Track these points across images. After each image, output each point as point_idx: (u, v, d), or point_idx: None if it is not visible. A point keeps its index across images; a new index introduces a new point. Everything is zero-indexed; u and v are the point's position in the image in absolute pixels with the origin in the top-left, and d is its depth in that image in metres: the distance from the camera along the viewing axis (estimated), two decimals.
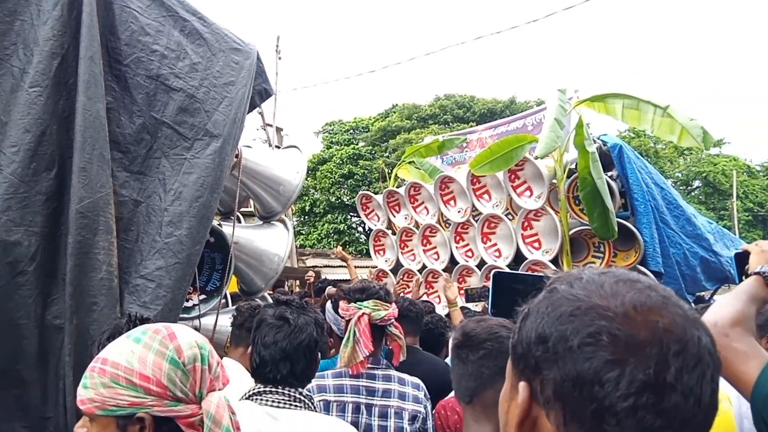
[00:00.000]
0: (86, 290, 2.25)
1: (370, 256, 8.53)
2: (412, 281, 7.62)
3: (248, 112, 2.89)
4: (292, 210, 19.21)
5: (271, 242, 3.04)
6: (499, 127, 8.37)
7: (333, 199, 25.85)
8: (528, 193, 6.38)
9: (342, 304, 2.36)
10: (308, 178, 28.22)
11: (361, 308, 2.26)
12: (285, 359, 1.67)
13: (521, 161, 6.26)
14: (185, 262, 2.43)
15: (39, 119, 2.25)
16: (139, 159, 2.50)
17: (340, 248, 4.95)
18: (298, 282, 13.72)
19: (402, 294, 5.87)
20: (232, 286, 3.26)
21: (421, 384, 2.33)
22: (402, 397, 2.24)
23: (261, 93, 2.94)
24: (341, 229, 25.77)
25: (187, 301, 2.84)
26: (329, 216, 26.23)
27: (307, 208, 26.99)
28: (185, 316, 2.78)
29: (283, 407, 1.61)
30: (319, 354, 1.81)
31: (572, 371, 0.62)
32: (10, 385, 2.18)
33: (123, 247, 2.42)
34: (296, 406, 1.63)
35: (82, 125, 2.29)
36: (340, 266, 15.02)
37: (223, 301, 3.28)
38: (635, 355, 0.60)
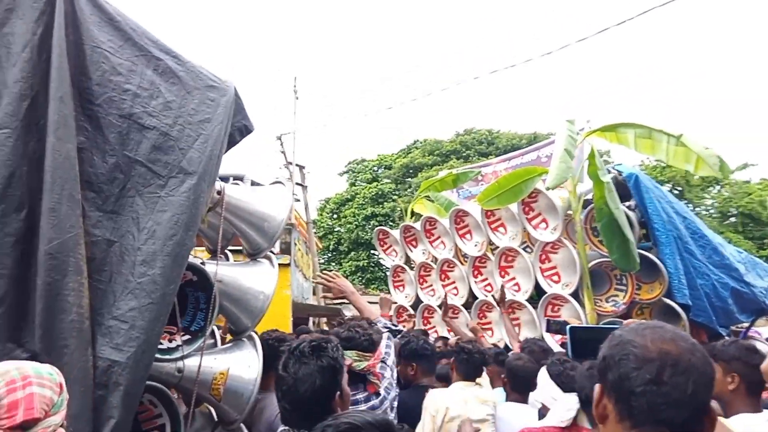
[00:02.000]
0: (56, 333, 2.19)
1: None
2: (432, 318, 7.44)
3: (228, 149, 2.86)
4: (318, 248, 19.26)
5: (256, 280, 2.96)
6: (513, 160, 8.28)
7: (357, 237, 25.89)
8: (543, 225, 6.24)
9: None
10: (333, 218, 28.48)
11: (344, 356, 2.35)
12: (294, 411, 1.81)
13: (534, 193, 6.13)
14: (159, 302, 2.36)
15: (8, 161, 2.23)
16: (112, 198, 2.46)
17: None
18: (325, 319, 13.63)
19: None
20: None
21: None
22: None
23: (241, 129, 2.90)
24: (364, 266, 25.72)
25: (171, 342, 2.76)
26: (353, 254, 26.25)
27: (332, 246, 27.09)
28: (168, 357, 2.69)
29: None
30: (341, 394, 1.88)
31: (616, 374, 1.15)
32: None
33: (96, 288, 2.36)
34: None
35: (51, 165, 2.27)
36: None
37: (211, 341, 3.20)
38: (646, 365, 1.12)
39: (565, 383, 2.69)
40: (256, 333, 3.01)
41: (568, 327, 1.92)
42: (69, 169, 2.32)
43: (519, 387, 3.54)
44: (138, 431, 2.63)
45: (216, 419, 2.96)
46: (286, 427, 1.82)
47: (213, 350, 2.92)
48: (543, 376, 2.87)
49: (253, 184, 3.36)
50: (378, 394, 2.60)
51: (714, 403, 1.92)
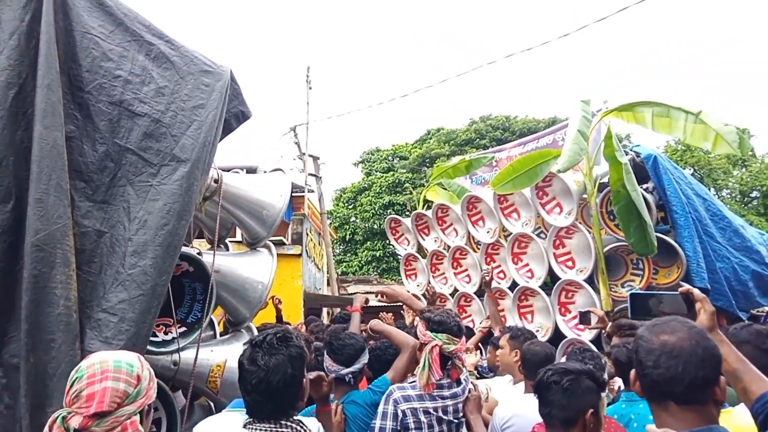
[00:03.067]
0: (43, 327, 2.14)
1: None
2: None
3: (224, 136, 2.78)
4: (332, 238, 19.25)
5: (254, 269, 2.90)
6: (528, 144, 8.04)
7: (373, 227, 25.83)
8: (557, 209, 6.07)
9: (421, 326, 2.77)
10: (349, 207, 28.40)
11: (435, 339, 2.67)
12: (265, 401, 1.82)
13: (548, 177, 5.97)
14: (150, 293, 2.30)
15: None
16: (103, 188, 2.41)
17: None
18: (339, 310, 13.64)
19: None
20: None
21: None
22: (459, 396, 2.74)
23: (237, 115, 2.82)
24: (379, 256, 25.67)
25: (166, 334, 2.71)
26: (369, 243, 26.19)
27: (348, 236, 27.05)
28: (163, 350, 2.64)
29: None
30: (305, 382, 1.93)
31: (635, 362, 1.60)
32: None
33: (86, 280, 2.31)
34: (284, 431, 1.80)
35: (38, 155, 2.22)
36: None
37: (210, 333, 3.15)
38: (649, 354, 1.55)
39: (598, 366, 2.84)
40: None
41: (629, 293, 2.14)
42: (56, 158, 2.26)
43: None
44: None
45: (214, 412, 2.91)
46: (251, 419, 1.83)
47: (209, 342, 2.87)
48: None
49: (248, 171, 3.28)
50: (459, 382, 2.79)
51: None
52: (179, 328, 2.71)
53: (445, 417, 2.68)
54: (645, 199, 5.19)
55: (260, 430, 1.77)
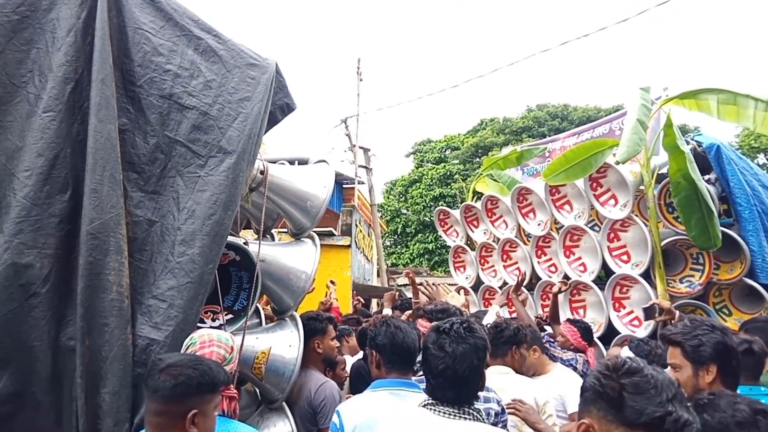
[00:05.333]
0: (97, 311, 2.24)
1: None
2: (494, 299, 7.23)
3: (269, 128, 2.82)
4: (383, 230, 19.31)
5: (298, 259, 2.93)
6: (583, 134, 7.80)
7: (424, 219, 25.72)
8: (612, 201, 5.89)
9: (422, 322, 2.70)
10: (399, 200, 28.38)
11: None
12: (450, 387, 1.86)
13: (603, 167, 5.79)
14: (198, 281, 2.37)
15: (52, 143, 2.30)
16: (154, 179, 2.49)
17: (409, 271, 4.84)
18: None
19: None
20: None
21: (489, 387, 2.52)
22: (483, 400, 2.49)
23: (282, 108, 2.86)
24: (431, 249, 25.52)
25: (214, 321, 2.79)
26: (420, 236, 26.11)
27: (399, 229, 27.03)
28: None
29: (454, 418, 1.81)
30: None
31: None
32: (25, 408, 2.21)
33: (137, 268, 2.41)
34: (465, 417, 1.82)
35: (93, 147, 2.32)
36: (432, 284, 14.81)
37: (256, 320, 3.21)
38: None
39: (653, 363, 2.65)
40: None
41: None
42: (110, 150, 2.35)
43: None
44: None
45: (259, 398, 2.98)
46: (433, 400, 1.87)
47: (255, 330, 2.93)
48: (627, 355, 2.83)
49: (300, 163, 3.32)
50: None
51: None
52: (226, 315, 2.78)
53: None
54: (707, 190, 4.96)
55: (442, 413, 1.82)
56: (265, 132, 2.78)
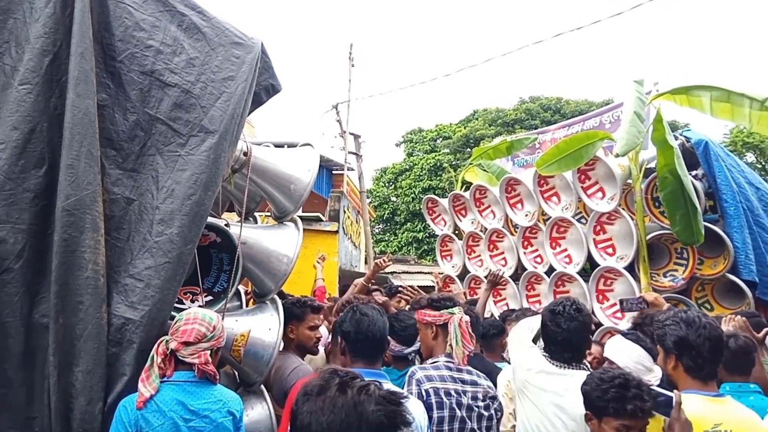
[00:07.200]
0: (72, 289, 2.21)
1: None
2: (480, 288, 7.26)
3: (254, 109, 2.78)
4: (371, 217, 19.27)
5: (280, 242, 2.90)
6: (573, 126, 7.81)
7: (414, 208, 25.72)
8: (600, 194, 5.90)
9: (428, 311, 2.79)
10: (389, 187, 28.30)
11: (454, 313, 2.73)
12: (565, 352, 2.58)
13: (592, 160, 5.79)
14: (176, 261, 2.34)
15: (28, 117, 2.25)
16: (133, 156, 2.45)
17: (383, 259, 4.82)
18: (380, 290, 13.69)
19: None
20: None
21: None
22: (482, 385, 2.73)
23: (267, 89, 2.81)
24: (420, 238, 25.53)
25: (193, 302, 2.76)
26: (409, 225, 26.09)
27: (388, 216, 26.99)
28: None
29: (567, 368, 2.55)
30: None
31: None
32: None
33: (114, 246, 2.37)
34: (574, 368, 2.55)
35: (70, 122, 2.27)
36: (418, 272, 14.87)
37: (236, 303, 3.19)
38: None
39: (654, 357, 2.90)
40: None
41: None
42: (88, 126, 2.31)
43: None
44: None
45: (238, 380, 2.96)
46: (555, 362, 2.57)
47: (235, 312, 2.91)
48: (628, 347, 2.94)
49: (277, 146, 3.28)
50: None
51: None
52: (205, 297, 2.76)
53: (464, 401, 2.64)
54: (694, 186, 4.98)
55: (562, 366, 2.54)
56: (249, 113, 2.74)
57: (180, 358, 2.23)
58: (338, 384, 1.27)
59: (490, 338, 4.03)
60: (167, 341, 2.25)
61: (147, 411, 2.12)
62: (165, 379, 2.21)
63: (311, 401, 1.26)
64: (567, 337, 2.53)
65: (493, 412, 2.68)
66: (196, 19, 2.62)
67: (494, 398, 2.72)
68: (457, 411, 2.59)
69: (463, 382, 2.68)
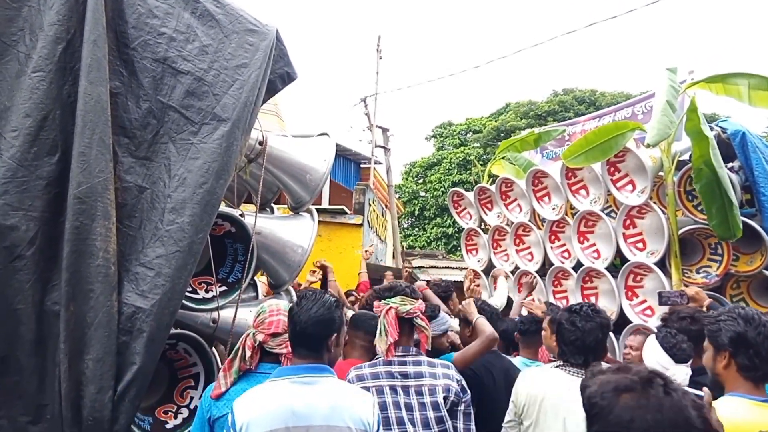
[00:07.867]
0: (83, 277, 2.20)
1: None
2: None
3: (269, 97, 2.74)
4: (399, 212, 19.19)
5: (295, 233, 2.87)
6: (604, 117, 7.57)
7: (443, 203, 25.54)
8: (630, 187, 5.72)
9: (375, 303, 2.71)
10: (418, 182, 28.10)
11: (388, 304, 2.62)
12: (579, 354, 2.49)
13: (622, 152, 5.61)
14: (186, 250, 2.32)
15: (41, 104, 2.24)
16: (145, 144, 2.43)
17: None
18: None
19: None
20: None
21: (450, 364, 2.75)
22: (433, 376, 2.61)
23: (283, 77, 2.77)
24: (449, 233, 25.32)
25: (207, 292, 2.75)
26: (438, 219, 25.90)
27: (417, 211, 26.83)
28: (203, 307, 2.68)
29: (581, 376, 2.35)
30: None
31: None
32: (8, 372, 2.17)
33: (126, 234, 2.36)
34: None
35: (82, 109, 2.26)
36: (446, 267, 14.75)
37: (252, 294, 3.16)
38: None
39: (677, 355, 2.84)
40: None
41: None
42: (100, 113, 2.29)
43: None
44: (174, 378, 2.66)
45: None
46: (564, 363, 2.52)
47: (249, 302, 2.88)
48: (653, 345, 2.95)
49: (295, 135, 3.24)
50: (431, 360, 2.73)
51: None
52: (220, 287, 2.74)
53: (400, 400, 2.54)
54: (729, 179, 4.78)
55: (573, 372, 2.44)
56: (264, 101, 2.70)
57: (267, 349, 2.29)
58: (663, 385, 1.28)
59: (529, 335, 3.91)
60: (253, 334, 2.29)
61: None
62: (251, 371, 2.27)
63: (631, 398, 1.26)
64: (581, 337, 2.46)
65: (440, 399, 2.54)
66: (210, 6, 2.59)
67: (448, 390, 2.57)
68: (390, 412, 2.51)
69: (405, 376, 2.58)
